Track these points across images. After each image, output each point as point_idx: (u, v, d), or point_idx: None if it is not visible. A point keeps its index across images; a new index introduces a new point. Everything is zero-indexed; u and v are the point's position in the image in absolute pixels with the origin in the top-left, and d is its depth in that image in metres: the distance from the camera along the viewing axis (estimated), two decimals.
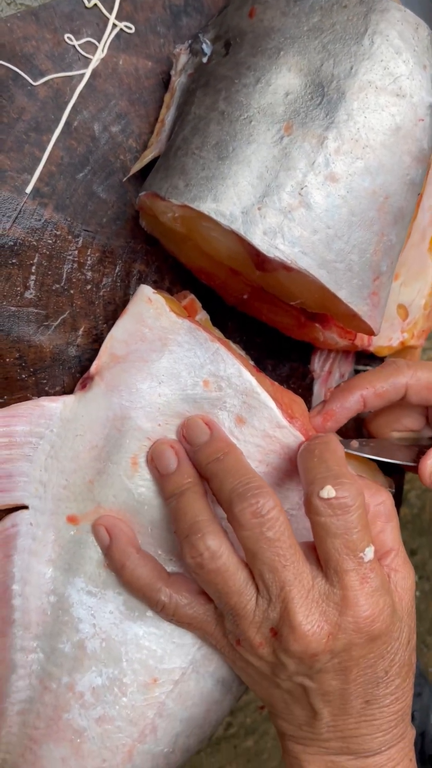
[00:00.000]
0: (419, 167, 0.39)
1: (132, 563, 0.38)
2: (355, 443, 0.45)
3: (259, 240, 0.36)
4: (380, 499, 0.37)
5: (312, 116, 0.37)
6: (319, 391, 0.52)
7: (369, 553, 0.34)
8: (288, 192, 0.36)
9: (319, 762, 0.37)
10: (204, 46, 0.41)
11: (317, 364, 0.52)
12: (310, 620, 0.33)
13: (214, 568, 0.34)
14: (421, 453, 0.45)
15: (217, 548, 0.34)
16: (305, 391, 0.52)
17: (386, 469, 0.47)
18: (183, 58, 0.42)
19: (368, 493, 0.37)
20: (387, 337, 0.52)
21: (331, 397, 0.42)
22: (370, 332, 0.40)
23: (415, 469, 0.45)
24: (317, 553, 0.35)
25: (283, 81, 0.37)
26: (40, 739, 0.40)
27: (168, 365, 0.39)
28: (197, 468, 0.37)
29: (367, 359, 0.56)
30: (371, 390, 0.42)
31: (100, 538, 0.39)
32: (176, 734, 0.41)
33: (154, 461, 0.38)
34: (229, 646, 0.37)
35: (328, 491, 0.33)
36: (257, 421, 0.39)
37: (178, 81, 0.42)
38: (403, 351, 0.55)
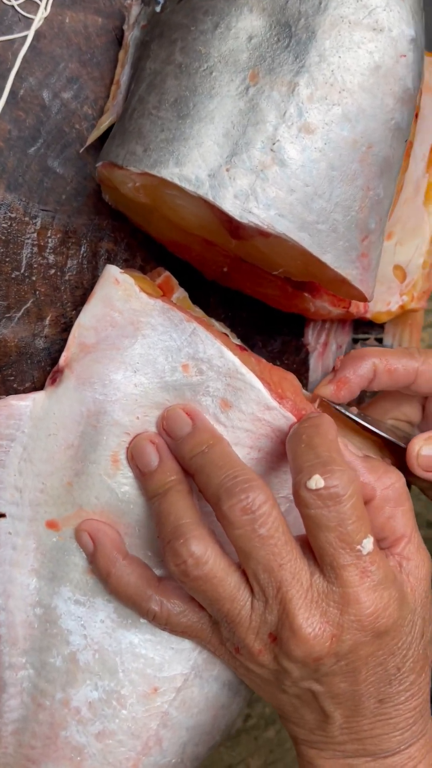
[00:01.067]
0: (404, 109, 0.35)
1: (118, 570, 0.35)
2: (354, 409, 0.41)
3: (230, 205, 0.33)
4: (388, 482, 0.34)
5: (280, 61, 0.33)
6: (315, 365, 0.49)
7: (367, 544, 0.30)
8: (258, 149, 0.33)
9: (335, 766, 0.35)
10: None
11: (311, 336, 0.49)
12: (311, 622, 0.30)
13: (200, 575, 0.31)
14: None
15: (201, 554, 0.31)
16: (300, 366, 0.49)
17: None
18: (135, 9, 0.38)
19: (375, 476, 0.34)
20: (385, 302, 0.48)
21: (342, 365, 0.39)
22: (363, 298, 0.37)
23: (402, 450, 0.42)
24: None
25: (244, 23, 0.33)
26: (38, 759, 0.38)
27: (142, 351, 0.35)
28: (181, 463, 0.34)
29: (365, 327, 0.52)
30: (384, 362, 0.38)
31: (83, 544, 0.36)
32: (183, 744, 0.38)
33: (134, 459, 0.35)
34: (228, 654, 0.35)
35: (317, 481, 0.30)
36: (244, 404, 0.35)
37: (132, 35, 0.38)
38: (404, 315, 0.51)
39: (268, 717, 0.60)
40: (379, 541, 0.34)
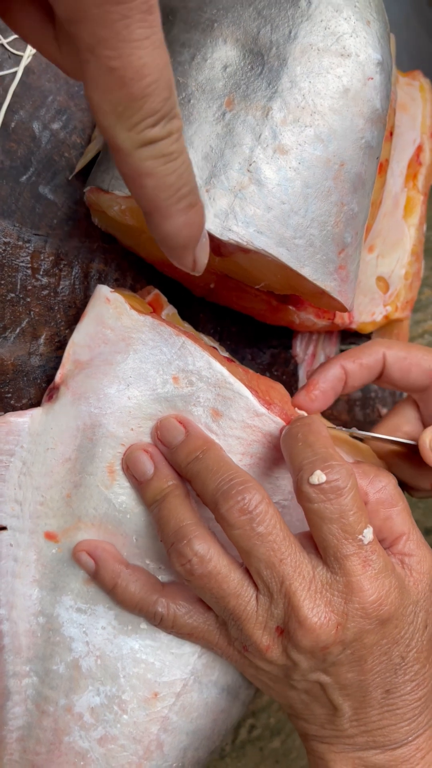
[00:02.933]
0: (374, 129, 0.37)
1: (123, 581, 0.36)
2: (355, 429, 0.43)
3: (210, 223, 0.34)
4: (380, 485, 0.35)
5: (254, 87, 0.35)
6: (304, 376, 0.50)
7: (368, 534, 0.32)
8: (236, 170, 0.35)
9: (345, 760, 0.35)
10: None
11: (299, 347, 0.50)
12: (316, 612, 0.32)
13: (205, 573, 0.32)
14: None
15: (205, 552, 0.32)
16: (289, 378, 0.50)
17: None
18: None
19: (366, 480, 0.34)
20: (369, 313, 0.50)
21: (312, 372, 0.41)
22: (343, 309, 0.38)
23: (414, 448, 0.43)
24: (314, 542, 0.33)
25: (219, 54, 0.35)
26: (43, 765, 0.39)
27: (134, 366, 0.37)
28: (177, 470, 0.36)
29: (353, 337, 0.54)
30: (351, 359, 0.40)
31: (83, 564, 0.37)
32: (184, 748, 0.39)
33: (129, 469, 0.36)
34: (236, 654, 0.36)
35: (318, 476, 0.31)
36: (234, 412, 0.37)
37: None
38: (389, 325, 0.52)
39: (274, 727, 0.60)
40: (379, 542, 0.35)
